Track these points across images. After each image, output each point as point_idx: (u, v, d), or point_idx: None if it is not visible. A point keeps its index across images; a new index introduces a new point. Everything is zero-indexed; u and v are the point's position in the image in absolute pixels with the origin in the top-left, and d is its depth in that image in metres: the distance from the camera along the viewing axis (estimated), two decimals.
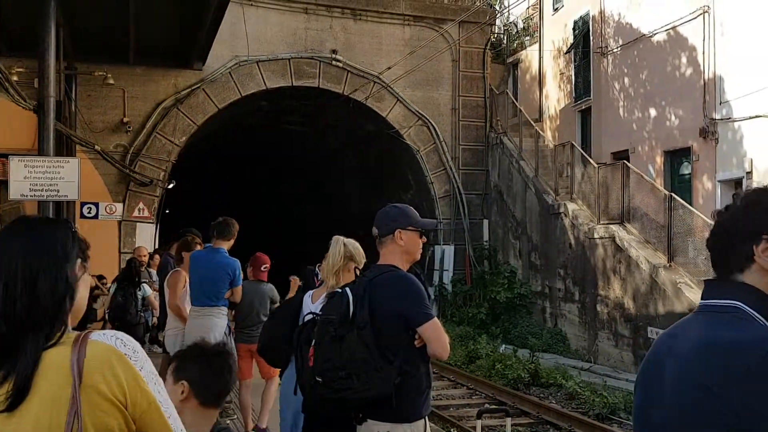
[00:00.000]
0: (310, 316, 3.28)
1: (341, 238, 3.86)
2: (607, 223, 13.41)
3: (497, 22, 21.87)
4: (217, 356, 2.31)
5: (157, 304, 8.59)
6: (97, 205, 14.14)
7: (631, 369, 11.78)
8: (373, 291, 2.90)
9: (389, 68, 16.66)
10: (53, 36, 8.66)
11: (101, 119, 14.58)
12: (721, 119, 13.89)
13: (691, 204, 12.74)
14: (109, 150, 14.19)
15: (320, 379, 2.83)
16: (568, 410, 9.34)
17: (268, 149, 22.55)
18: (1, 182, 11.02)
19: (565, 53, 20.12)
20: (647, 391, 1.43)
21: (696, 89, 14.57)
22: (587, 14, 18.88)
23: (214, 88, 15.51)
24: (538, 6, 21.83)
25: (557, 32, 20.62)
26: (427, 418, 3.00)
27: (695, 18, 14.58)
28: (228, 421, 6.48)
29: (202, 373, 2.23)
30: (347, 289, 2.96)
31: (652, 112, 16.10)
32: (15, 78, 10.34)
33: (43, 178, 8.41)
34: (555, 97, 20.88)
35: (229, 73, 15.58)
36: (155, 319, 8.94)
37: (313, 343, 2.97)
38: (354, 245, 3.84)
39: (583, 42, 19.13)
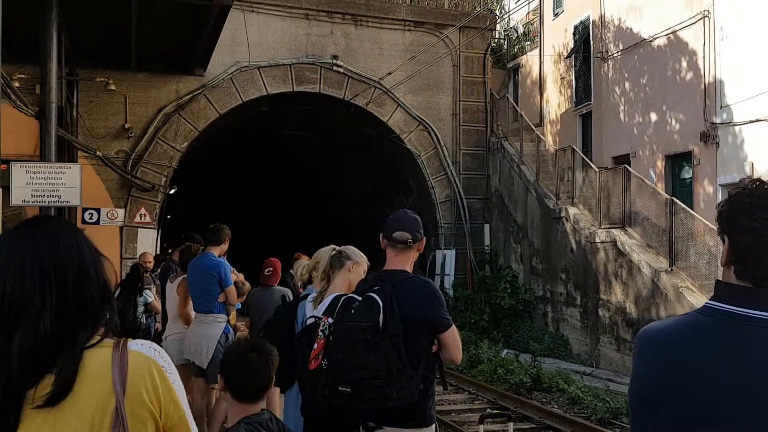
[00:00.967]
0: (312, 320, 3.25)
1: (332, 246, 3.84)
2: (609, 228, 13.40)
3: (498, 27, 21.91)
4: (254, 353, 2.37)
5: (159, 308, 8.59)
6: (98, 210, 14.15)
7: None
8: (400, 297, 2.87)
9: (390, 73, 16.70)
10: (55, 42, 8.70)
11: (103, 125, 14.61)
12: (722, 123, 13.89)
13: (692, 208, 12.74)
14: (111, 156, 14.22)
15: (348, 389, 2.75)
16: (570, 415, 9.31)
17: (270, 154, 22.58)
18: (3, 188, 11.02)
19: (566, 58, 20.15)
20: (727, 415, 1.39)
21: (696, 93, 14.59)
22: (587, 19, 18.91)
23: (216, 94, 15.54)
24: (538, 11, 21.88)
25: (558, 37, 20.66)
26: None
27: (695, 22, 14.60)
28: None
29: (236, 370, 2.31)
30: (375, 296, 2.90)
31: (653, 116, 16.12)
32: (17, 84, 10.38)
33: (44, 184, 8.44)
34: (555, 101, 20.91)
35: (231, 78, 15.61)
36: (158, 325, 8.94)
37: (323, 349, 2.92)
38: (346, 251, 3.80)
39: (584, 47, 19.16)
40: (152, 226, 14.85)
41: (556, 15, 20.97)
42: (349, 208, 22.69)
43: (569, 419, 8.94)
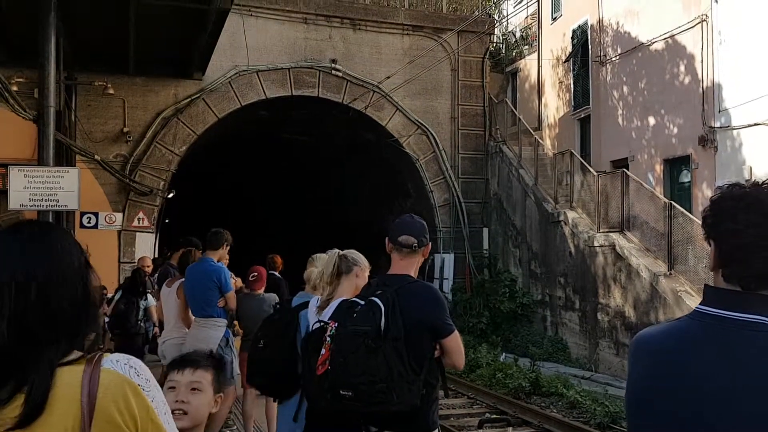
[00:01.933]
0: (318, 325, 3.23)
1: (335, 250, 3.82)
2: (607, 231, 13.40)
3: (496, 31, 21.95)
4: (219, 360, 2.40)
5: (155, 314, 8.57)
6: (96, 214, 14.13)
7: None
8: (402, 302, 2.87)
9: (388, 77, 16.71)
10: (53, 46, 8.69)
11: (101, 129, 14.60)
12: (720, 127, 13.92)
13: (690, 212, 12.74)
14: (109, 160, 14.20)
15: (349, 393, 2.74)
16: (569, 419, 9.30)
17: (268, 158, 22.58)
18: (1, 192, 11.00)
19: (564, 62, 20.19)
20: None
21: (695, 97, 14.61)
22: (585, 23, 18.95)
23: (214, 98, 15.54)
24: (536, 15, 21.92)
25: (556, 41, 20.70)
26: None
27: (693, 27, 14.64)
28: None
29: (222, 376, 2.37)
30: (377, 300, 2.89)
31: (651, 120, 16.14)
32: (15, 88, 10.36)
33: (42, 188, 8.42)
34: (554, 105, 20.94)
35: (229, 82, 15.62)
36: (156, 330, 8.92)
37: (329, 354, 2.90)
38: (352, 255, 3.79)
39: (582, 51, 19.20)
40: (150, 230, 14.82)
41: (554, 19, 21.01)
42: (347, 211, 22.68)
43: (568, 424, 8.92)
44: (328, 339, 2.91)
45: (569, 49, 19.87)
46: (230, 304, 6.08)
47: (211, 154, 19.44)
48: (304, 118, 17.95)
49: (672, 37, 15.33)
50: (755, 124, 12.93)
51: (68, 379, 1.32)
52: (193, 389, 2.20)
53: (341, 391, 2.76)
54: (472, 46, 17.85)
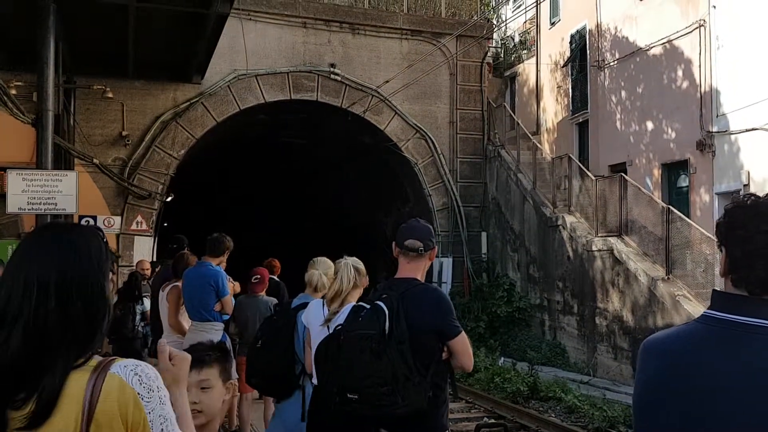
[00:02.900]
0: (324, 331, 3.27)
1: (349, 261, 3.81)
2: (605, 236, 13.42)
3: (495, 36, 22.00)
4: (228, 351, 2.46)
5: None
6: (95, 218, 14.11)
7: (630, 382, 11.74)
8: (407, 305, 2.90)
9: (387, 82, 16.74)
10: (52, 50, 8.71)
11: (100, 132, 14.61)
12: (718, 132, 13.94)
13: (688, 216, 12.77)
14: (108, 163, 14.21)
15: (355, 396, 2.77)
16: (567, 424, 9.29)
17: (267, 162, 22.59)
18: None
19: (562, 67, 20.23)
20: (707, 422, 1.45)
21: (692, 102, 14.64)
22: (584, 28, 19.00)
23: (213, 102, 15.56)
24: (535, 20, 21.98)
25: (554, 46, 20.74)
26: None
27: (691, 32, 14.68)
28: None
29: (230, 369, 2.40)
30: (381, 304, 2.92)
31: (649, 125, 16.17)
32: (13, 92, 10.37)
33: (41, 192, 8.42)
34: (552, 110, 20.98)
35: (228, 86, 15.63)
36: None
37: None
38: (358, 266, 3.81)
39: (580, 55, 19.24)
40: (149, 234, 14.82)
41: (552, 24, 21.06)
42: (346, 214, 22.68)
43: (566, 428, 8.92)
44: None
45: (567, 53, 19.91)
46: (226, 309, 6.07)
47: (209, 158, 19.46)
48: (303, 122, 17.97)
49: (670, 42, 15.37)
50: (753, 129, 12.96)
51: (75, 383, 1.34)
52: (203, 388, 2.25)
53: (348, 394, 2.80)
54: (470, 51, 17.89)
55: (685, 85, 15.02)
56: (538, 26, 21.76)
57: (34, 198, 8.42)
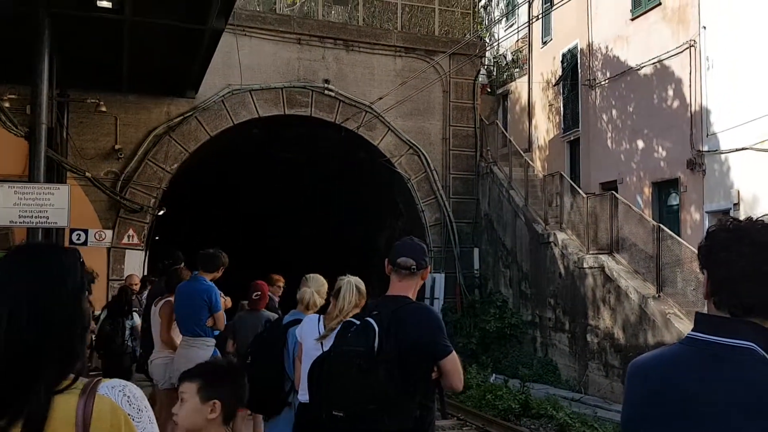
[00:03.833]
0: (318, 350, 3.25)
1: (351, 280, 3.80)
2: (597, 253, 13.46)
3: (487, 54, 22.19)
4: (241, 375, 2.42)
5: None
6: (86, 231, 14.07)
7: (620, 400, 11.69)
8: (397, 323, 2.86)
9: (381, 98, 16.83)
10: (46, 64, 8.72)
11: (93, 146, 14.59)
12: (708, 151, 14.07)
13: (679, 235, 12.82)
14: (100, 177, 14.18)
15: (341, 413, 2.74)
16: None
17: (260, 177, 22.58)
18: None
19: (554, 85, 20.40)
20: None
21: (683, 122, 14.78)
22: (575, 47, 19.19)
23: (207, 117, 15.59)
24: (527, 39, 22.19)
25: (546, 65, 20.93)
26: None
27: (682, 52, 14.85)
28: None
29: (234, 392, 2.34)
30: (371, 321, 2.89)
31: (640, 143, 16.29)
32: (7, 105, 10.39)
33: (32, 205, 8.39)
34: (544, 127, 21.12)
35: (222, 101, 15.68)
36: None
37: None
38: (360, 286, 3.81)
39: (572, 74, 19.42)
40: (140, 248, 14.76)
41: (544, 43, 21.27)
42: (339, 229, 22.68)
43: None
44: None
45: (559, 72, 20.09)
46: (218, 325, 6.03)
47: (203, 172, 19.44)
48: (296, 137, 18.02)
49: (660, 61, 15.54)
50: (743, 149, 13.08)
51: (64, 406, 1.33)
52: (181, 399, 2.32)
53: (334, 412, 2.76)
54: (463, 69, 18.04)
55: (675, 104, 15.17)
56: (530, 45, 21.97)
57: (26, 211, 8.39)
